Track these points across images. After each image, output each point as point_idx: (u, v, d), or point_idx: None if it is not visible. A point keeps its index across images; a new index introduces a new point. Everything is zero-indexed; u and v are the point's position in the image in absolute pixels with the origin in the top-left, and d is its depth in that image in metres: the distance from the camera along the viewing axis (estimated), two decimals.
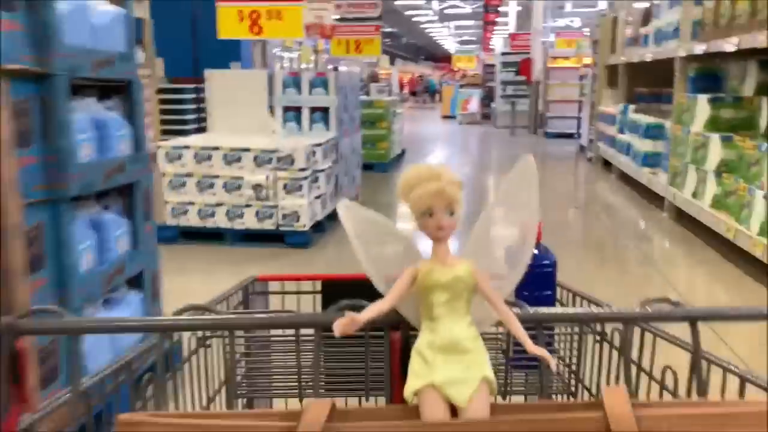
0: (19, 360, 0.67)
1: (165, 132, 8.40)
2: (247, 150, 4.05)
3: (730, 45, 3.59)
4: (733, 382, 0.67)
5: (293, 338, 0.94)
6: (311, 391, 0.93)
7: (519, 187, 0.63)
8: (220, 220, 4.12)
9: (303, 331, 0.87)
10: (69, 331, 0.63)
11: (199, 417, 0.53)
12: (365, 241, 0.63)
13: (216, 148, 4.08)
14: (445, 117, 16.08)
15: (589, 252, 4.25)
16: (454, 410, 0.55)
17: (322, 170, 4.39)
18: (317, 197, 4.32)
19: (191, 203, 4.15)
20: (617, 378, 0.85)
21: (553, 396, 1.05)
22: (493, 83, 15.37)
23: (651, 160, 5.67)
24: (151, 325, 0.68)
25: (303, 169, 4.05)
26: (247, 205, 4.09)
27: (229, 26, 4.99)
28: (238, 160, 4.06)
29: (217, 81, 4.89)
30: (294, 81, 4.91)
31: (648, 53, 5.82)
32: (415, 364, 0.57)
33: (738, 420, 0.46)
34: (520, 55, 13.19)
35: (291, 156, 4.02)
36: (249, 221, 4.08)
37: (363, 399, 0.95)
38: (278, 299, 1.24)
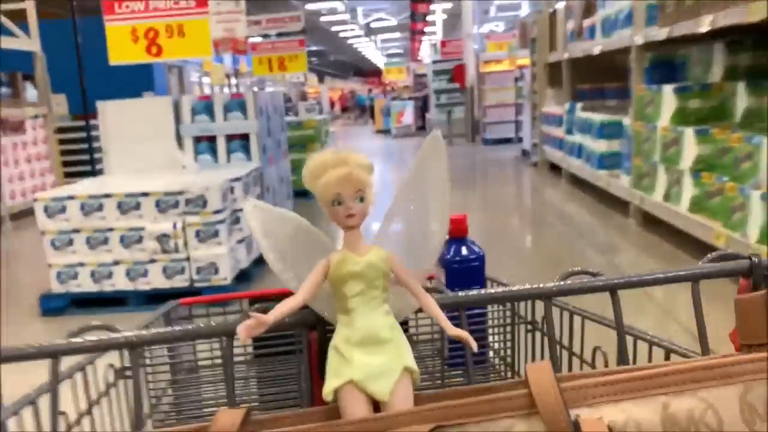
0: None
1: (69, 174, 7.50)
2: (146, 194, 3.30)
3: (701, 25, 3.12)
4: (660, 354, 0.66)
5: (220, 360, 0.92)
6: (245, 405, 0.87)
7: (428, 165, 0.58)
8: (120, 282, 3.35)
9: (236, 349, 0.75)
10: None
11: None
12: (275, 239, 0.58)
13: (107, 196, 3.32)
14: (379, 131, 15.57)
15: (549, 266, 3.70)
16: (377, 406, 0.51)
17: (241, 209, 3.68)
18: (240, 241, 3.61)
19: (81, 264, 3.36)
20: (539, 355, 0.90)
21: None
22: (425, 92, 15.00)
23: (608, 162, 5.21)
24: (41, 349, 0.54)
25: (218, 211, 3.33)
26: (152, 261, 3.33)
27: (121, 49, 4.22)
28: (137, 207, 3.30)
29: (112, 113, 4.12)
30: (205, 106, 4.19)
31: (596, 46, 5.38)
32: (332, 361, 0.53)
33: (662, 380, 0.45)
34: (451, 62, 12.80)
35: (202, 197, 3.30)
36: (155, 280, 3.33)
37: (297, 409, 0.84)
38: (204, 323, 0.95)
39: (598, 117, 5.36)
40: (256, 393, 1.02)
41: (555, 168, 7.31)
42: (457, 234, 0.92)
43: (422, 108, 14.88)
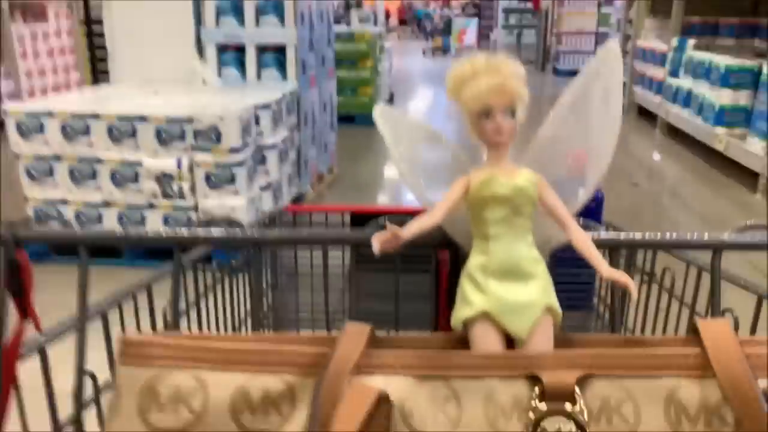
0: (20, 272, 0.56)
1: (100, 72, 6.76)
2: (143, 119, 2.50)
3: None
4: None
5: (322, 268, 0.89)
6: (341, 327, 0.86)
7: (598, 81, 0.51)
8: (111, 228, 2.62)
9: (333, 261, 0.75)
10: (75, 240, 0.57)
11: (216, 340, 0.45)
12: (407, 149, 0.53)
13: (95, 116, 2.53)
14: (437, 49, 14.29)
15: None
16: (510, 346, 0.46)
17: (273, 146, 2.86)
18: (264, 188, 2.82)
19: (64, 202, 2.63)
20: (665, 321, 0.85)
21: None
22: (490, 11, 13.55)
23: (731, 117, 4.17)
24: (166, 237, 0.56)
25: (236, 150, 2.52)
26: (150, 206, 2.58)
27: None
28: (132, 134, 2.52)
29: (121, 9, 3.28)
30: (234, 6, 3.29)
31: None
32: (465, 289, 0.48)
33: None
34: None
35: (215, 128, 2.49)
36: (154, 230, 2.59)
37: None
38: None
39: (722, 60, 4.26)
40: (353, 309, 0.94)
41: (646, 114, 6.22)
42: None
43: (486, 27, 13.51)
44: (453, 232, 0.54)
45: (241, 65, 3.35)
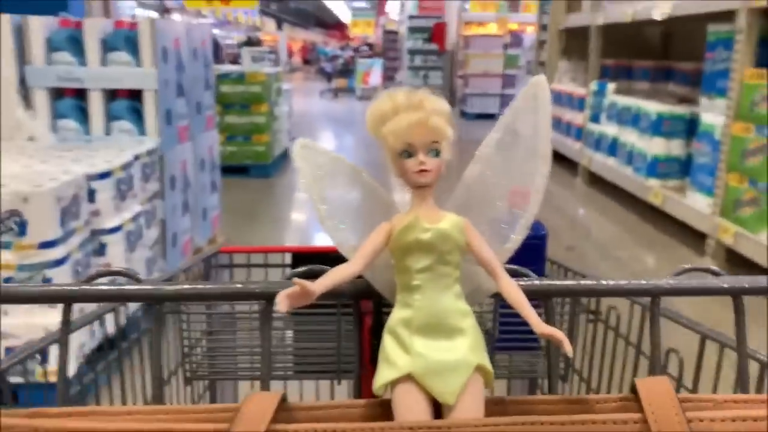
0: None
1: None
2: None
3: None
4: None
5: (258, 314, 0.83)
6: (280, 372, 0.92)
7: (525, 119, 0.47)
8: None
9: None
10: None
11: (100, 415, 0.39)
12: (326, 188, 0.48)
13: None
14: (341, 90, 13.83)
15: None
16: (437, 408, 0.42)
17: (115, 228, 2.07)
18: None
19: None
20: (612, 360, 0.85)
21: (539, 381, 0.98)
22: (395, 52, 13.26)
23: (666, 169, 3.80)
24: (53, 291, 0.48)
25: (50, 244, 1.72)
26: None
27: None
28: None
29: None
30: (69, 38, 2.51)
31: (656, 8, 3.88)
32: (387, 348, 0.43)
33: None
34: (430, 19, 11.13)
35: (17, 214, 1.68)
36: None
37: (335, 382, 0.90)
38: (244, 272, 1.09)
39: (652, 106, 3.91)
40: (292, 357, 0.95)
41: (562, 160, 5.88)
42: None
43: (390, 69, 13.19)
44: (377, 283, 0.49)
45: (83, 116, 2.55)
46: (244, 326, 0.98)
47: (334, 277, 0.43)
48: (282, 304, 0.41)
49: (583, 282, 0.51)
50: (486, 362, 0.43)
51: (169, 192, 2.62)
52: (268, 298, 0.49)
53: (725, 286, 0.48)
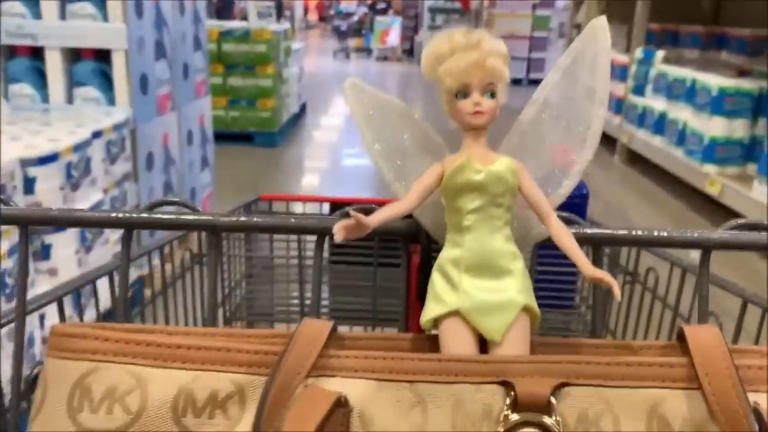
0: None
1: None
2: None
3: None
4: None
5: (296, 258, 0.93)
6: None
7: (584, 61, 0.47)
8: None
9: (309, 251, 0.78)
10: (17, 219, 0.50)
11: (159, 333, 0.42)
12: (377, 129, 0.48)
13: None
14: (358, 50, 13.19)
15: None
16: (483, 346, 0.42)
17: None
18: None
19: None
20: (648, 322, 0.84)
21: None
22: (414, 9, 12.55)
23: (726, 153, 3.30)
24: (113, 218, 0.50)
25: None
26: None
27: None
28: None
29: None
30: None
31: None
32: (436, 285, 0.44)
33: None
34: None
35: None
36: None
37: (371, 330, 0.92)
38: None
39: (713, 79, 3.38)
40: (328, 311, 0.99)
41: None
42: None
43: (410, 28, 12.50)
44: (426, 222, 0.49)
45: (41, 80, 2.11)
46: (282, 272, 0.98)
47: (387, 212, 0.44)
48: (339, 234, 0.42)
49: (633, 231, 0.49)
50: (533, 304, 0.43)
51: (144, 173, 2.19)
52: (322, 232, 0.50)
53: None
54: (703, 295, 0.50)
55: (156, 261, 0.76)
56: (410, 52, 12.20)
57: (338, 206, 1.06)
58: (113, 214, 0.49)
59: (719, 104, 3.28)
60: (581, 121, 0.46)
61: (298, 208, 1.15)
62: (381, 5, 12.80)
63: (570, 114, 0.46)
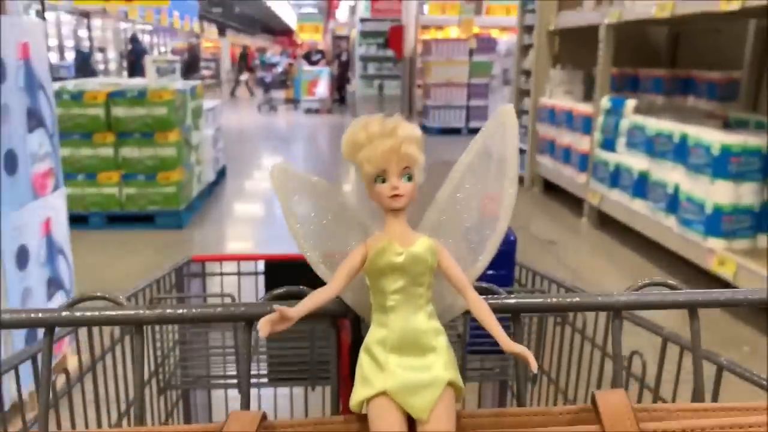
0: None
1: None
2: None
3: None
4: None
5: (231, 324, 0.94)
6: (254, 380, 0.95)
7: (493, 145, 0.50)
8: None
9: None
10: None
11: None
12: (304, 212, 0.50)
13: None
14: (289, 101, 12.51)
15: None
16: (411, 424, 0.44)
17: None
18: None
19: None
20: (579, 361, 0.89)
21: (509, 383, 1.03)
22: (343, 56, 12.02)
23: (734, 225, 2.70)
24: (35, 319, 0.50)
25: None
26: None
27: None
28: None
29: None
30: None
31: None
32: (364, 366, 0.46)
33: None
34: (385, 23, 9.98)
35: None
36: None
37: (309, 389, 0.96)
38: (216, 281, 1.13)
39: (714, 136, 2.80)
40: (267, 364, 0.98)
41: (553, 190, 4.79)
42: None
43: (340, 78, 11.94)
44: (352, 302, 0.51)
45: None
46: (216, 334, 0.97)
47: (313, 301, 0.45)
48: (263, 330, 0.43)
49: (549, 299, 0.52)
50: (457, 378, 0.45)
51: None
52: (250, 320, 0.50)
53: (681, 300, 0.51)
54: (616, 353, 0.52)
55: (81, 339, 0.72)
56: (342, 100, 11.62)
57: (273, 264, 1.01)
58: (32, 315, 0.48)
59: (722, 165, 2.69)
60: (495, 195, 0.49)
61: (232, 267, 1.11)
62: (315, 56, 12.11)
63: (484, 191, 0.49)
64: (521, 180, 5.32)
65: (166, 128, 3.77)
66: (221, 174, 5.32)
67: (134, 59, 10.16)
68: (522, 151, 5.30)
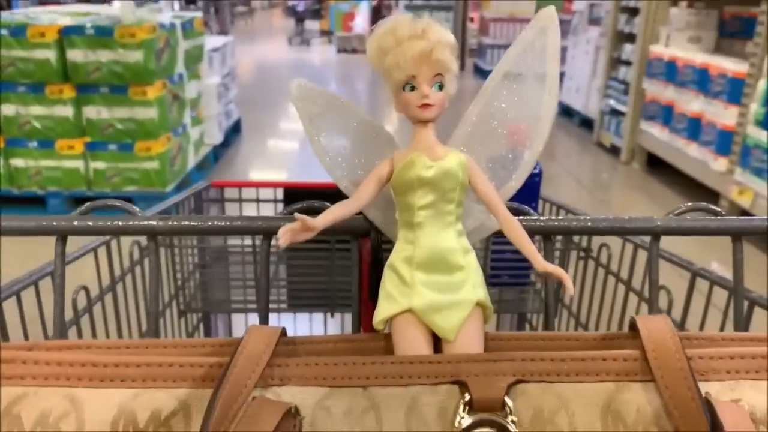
0: None
1: None
2: None
3: None
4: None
5: (251, 247, 0.95)
6: (274, 305, 0.95)
7: (532, 52, 0.46)
8: None
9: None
10: None
11: (95, 350, 0.40)
12: (324, 127, 0.47)
13: None
14: (324, 33, 11.20)
15: None
16: (437, 343, 0.42)
17: None
18: None
19: None
20: (602, 297, 0.87)
21: (528, 316, 1.04)
22: None
23: None
24: (47, 226, 0.49)
25: None
26: None
27: None
28: None
29: None
30: None
31: None
32: (388, 284, 0.43)
33: None
34: None
35: None
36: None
37: (329, 315, 0.95)
38: (235, 207, 1.11)
39: None
40: (286, 291, 0.97)
41: (661, 168, 3.63)
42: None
43: (379, 9, 10.51)
44: (376, 219, 0.49)
45: None
46: (236, 259, 0.97)
47: (335, 213, 0.43)
48: (283, 238, 0.41)
49: (583, 219, 0.51)
50: (486, 299, 0.43)
51: None
52: (268, 233, 0.49)
53: (725, 225, 0.49)
54: (653, 279, 0.51)
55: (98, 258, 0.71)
56: None
57: (293, 192, 1.04)
58: (44, 222, 0.48)
59: None
60: (531, 113, 0.46)
61: (251, 193, 1.09)
62: None
63: (520, 106, 0.46)
64: (616, 151, 4.14)
65: (143, 80, 2.71)
66: (234, 130, 4.27)
67: None
68: (618, 113, 4.09)
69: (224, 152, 3.95)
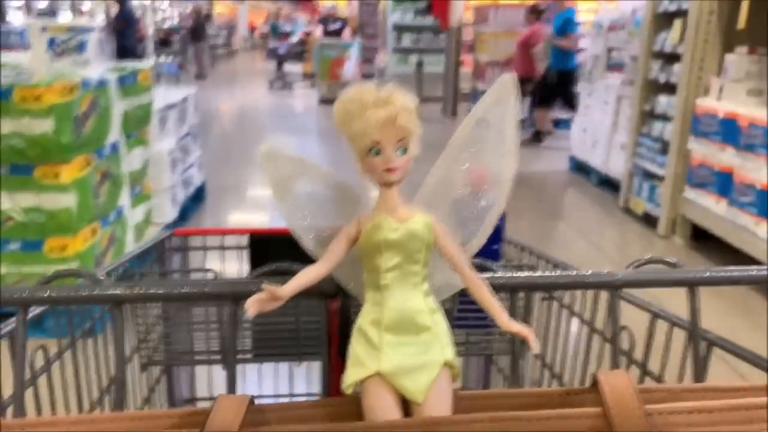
0: None
1: None
2: None
3: None
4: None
5: (214, 300, 0.92)
6: (238, 355, 0.91)
7: (492, 117, 0.49)
8: None
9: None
10: None
11: (61, 424, 0.39)
12: (289, 190, 0.49)
13: None
14: (308, 76, 10.64)
15: None
16: (406, 406, 0.43)
17: None
18: None
19: None
20: (566, 338, 0.87)
21: (494, 357, 1.05)
22: (373, 28, 10.03)
23: None
24: (5, 298, 0.50)
25: None
26: None
27: None
28: None
29: None
30: None
31: None
32: (356, 347, 0.45)
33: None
34: None
35: None
36: None
37: (295, 365, 0.95)
38: (199, 255, 1.10)
39: None
40: (250, 340, 0.95)
41: (709, 244, 2.97)
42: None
43: (367, 52, 9.96)
44: (344, 279, 0.50)
45: None
46: (200, 309, 0.95)
47: (302, 279, 0.44)
48: (252, 309, 0.43)
49: (546, 275, 0.51)
50: (453, 358, 0.43)
51: None
52: (236, 298, 0.49)
53: (682, 277, 0.51)
54: (614, 331, 0.52)
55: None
56: (370, 77, 9.72)
57: (258, 238, 1.00)
58: (6, 294, 0.47)
59: None
60: (496, 166, 0.47)
61: (215, 241, 1.08)
62: (335, 25, 9.95)
63: (482, 151, 0.48)
64: (650, 220, 3.48)
65: (54, 157, 2.01)
66: (196, 199, 3.57)
67: (122, 26, 7.93)
68: (651, 175, 3.45)
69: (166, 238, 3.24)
